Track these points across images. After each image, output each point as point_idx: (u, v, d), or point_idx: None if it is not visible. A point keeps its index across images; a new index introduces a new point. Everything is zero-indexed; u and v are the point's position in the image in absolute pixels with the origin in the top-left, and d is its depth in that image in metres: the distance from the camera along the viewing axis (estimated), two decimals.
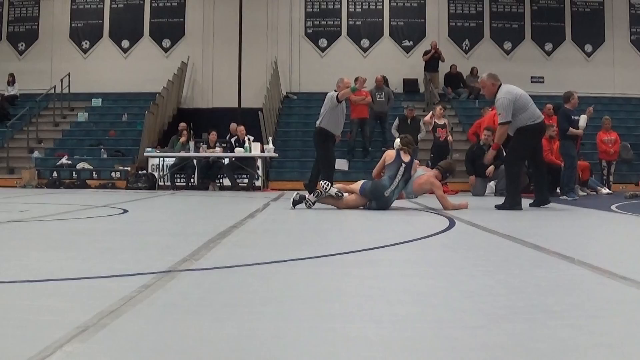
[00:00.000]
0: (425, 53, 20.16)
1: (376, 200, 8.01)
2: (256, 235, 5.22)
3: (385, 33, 21.13)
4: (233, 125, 16.14)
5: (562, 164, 12.11)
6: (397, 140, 8.86)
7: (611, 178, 15.00)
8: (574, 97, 11.72)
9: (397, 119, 15.31)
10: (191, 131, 16.09)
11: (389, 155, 8.29)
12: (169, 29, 21.24)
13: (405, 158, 8.20)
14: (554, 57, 21.00)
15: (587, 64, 20.86)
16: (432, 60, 20.03)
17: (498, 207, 8.44)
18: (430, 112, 14.98)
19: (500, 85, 8.49)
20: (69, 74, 20.01)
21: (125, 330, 2.04)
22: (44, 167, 16.78)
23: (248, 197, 11.57)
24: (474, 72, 20.39)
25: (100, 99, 20.40)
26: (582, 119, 11.81)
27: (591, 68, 20.74)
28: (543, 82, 20.70)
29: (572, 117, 11.56)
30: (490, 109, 14.65)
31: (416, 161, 8.87)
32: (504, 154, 13.77)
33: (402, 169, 8.03)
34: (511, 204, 8.34)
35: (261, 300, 2.55)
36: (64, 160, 16.73)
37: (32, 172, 16.02)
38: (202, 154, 15.05)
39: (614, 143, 15.05)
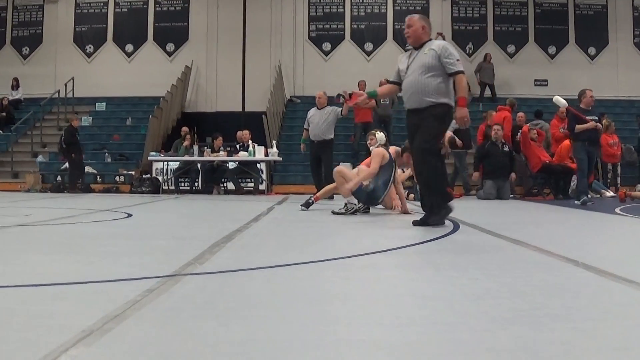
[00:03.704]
0: None
1: (368, 204, 7.90)
2: (260, 239, 5.22)
3: (389, 37, 21.13)
4: (239, 133, 16.14)
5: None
6: (381, 135, 8.05)
7: (619, 180, 15.00)
8: (585, 95, 10.90)
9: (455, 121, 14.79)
10: (195, 135, 16.11)
11: (385, 156, 7.67)
12: (173, 33, 21.26)
13: (393, 155, 7.91)
14: (557, 60, 20.98)
15: (590, 67, 20.84)
16: None
17: (418, 223, 6.10)
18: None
19: (431, 40, 6.42)
20: (72, 78, 20.05)
21: (130, 334, 2.04)
22: (48, 171, 16.82)
23: (252, 201, 11.57)
24: (487, 59, 20.16)
25: (104, 103, 20.44)
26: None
27: (595, 71, 20.72)
28: (547, 85, 20.68)
29: (582, 116, 10.61)
30: (494, 112, 14.67)
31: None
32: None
33: (394, 170, 7.86)
34: (442, 213, 6.09)
35: (265, 304, 2.55)
36: (68, 165, 16.75)
37: (36, 176, 16.05)
38: (206, 157, 15.06)
39: (617, 146, 15.03)
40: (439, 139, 6.30)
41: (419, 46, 6.30)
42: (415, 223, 6.10)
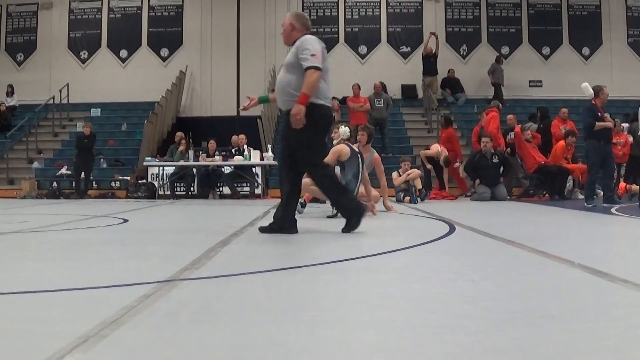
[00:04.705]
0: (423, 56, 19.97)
1: None
2: (256, 243, 5.21)
3: (383, 39, 21.13)
4: (234, 138, 16.13)
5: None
6: (345, 129, 8.00)
7: (622, 180, 14.98)
8: (603, 91, 10.59)
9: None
10: (190, 140, 16.09)
11: (343, 152, 7.79)
12: (167, 38, 21.23)
13: (356, 148, 8.06)
14: (551, 60, 21.00)
15: (584, 67, 20.83)
16: (430, 62, 19.78)
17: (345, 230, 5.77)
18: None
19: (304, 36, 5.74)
20: (67, 84, 20.01)
21: (126, 340, 2.04)
22: (44, 178, 16.77)
23: (248, 205, 11.56)
24: (500, 61, 20.09)
25: (99, 109, 20.39)
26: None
27: (589, 71, 20.68)
28: (541, 85, 20.72)
29: (598, 114, 10.33)
30: (485, 114, 14.67)
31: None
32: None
33: (361, 162, 7.90)
34: (351, 223, 5.75)
35: (262, 308, 2.54)
36: (63, 171, 16.71)
37: (31, 183, 15.99)
38: (201, 162, 15.05)
39: (624, 146, 14.96)
40: (314, 145, 5.69)
41: (292, 44, 5.77)
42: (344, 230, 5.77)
